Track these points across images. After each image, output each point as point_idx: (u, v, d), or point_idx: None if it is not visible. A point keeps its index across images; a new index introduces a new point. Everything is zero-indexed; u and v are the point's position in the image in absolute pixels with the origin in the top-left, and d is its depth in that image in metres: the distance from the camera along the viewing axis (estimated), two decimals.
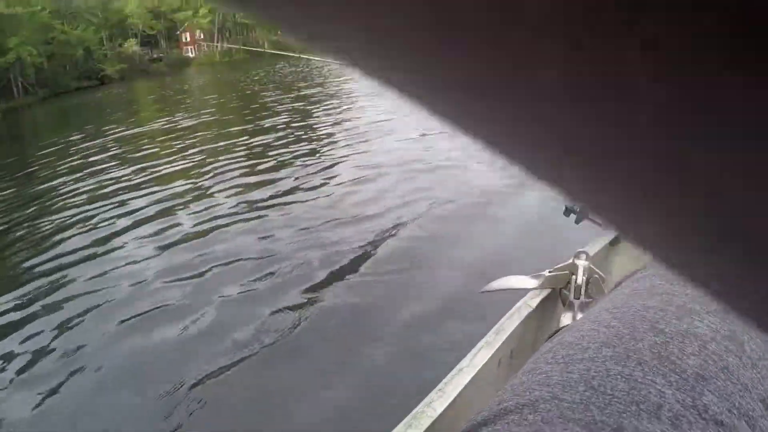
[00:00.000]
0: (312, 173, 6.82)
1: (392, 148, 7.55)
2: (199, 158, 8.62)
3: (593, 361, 0.35)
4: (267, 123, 11.04)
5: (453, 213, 4.82)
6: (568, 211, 1.42)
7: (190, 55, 56.86)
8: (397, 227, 4.61)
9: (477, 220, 4.56)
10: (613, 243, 1.46)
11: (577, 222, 1.43)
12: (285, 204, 5.68)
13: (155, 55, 52.90)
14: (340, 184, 6.09)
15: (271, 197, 5.92)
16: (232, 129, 11.13)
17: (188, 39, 57.59)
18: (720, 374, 0.33)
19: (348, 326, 3.26)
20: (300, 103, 12.76)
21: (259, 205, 5.72)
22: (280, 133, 9.75)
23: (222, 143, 9.56)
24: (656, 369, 0.32)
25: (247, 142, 9.45)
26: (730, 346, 0.35)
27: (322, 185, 6.22)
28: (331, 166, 7.06)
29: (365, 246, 4.29)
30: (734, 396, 0.31)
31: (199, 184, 7.00)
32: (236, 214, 5.56)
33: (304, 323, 3.33)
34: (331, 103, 11.67)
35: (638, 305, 0.41)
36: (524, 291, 1.20)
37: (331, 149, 8.21)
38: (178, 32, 56.89)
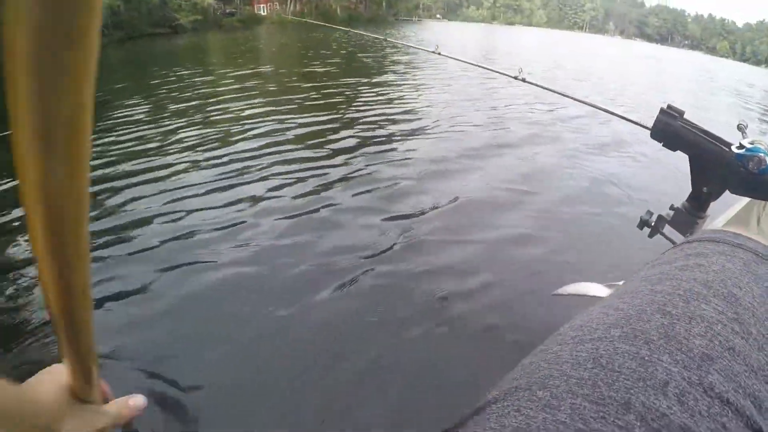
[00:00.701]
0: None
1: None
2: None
3: (601, 341, 0.35)
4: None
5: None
6: (642, 224, 1.41)
7: (261, 13, 57.06)
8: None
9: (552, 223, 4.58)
10: None
11: (650, 236, 1.43)
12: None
13: (228, 10, 52.69)
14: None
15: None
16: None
17: None
18: (726, 354, 0.33)
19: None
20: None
21: None
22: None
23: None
24: (663, 348, 0.33)
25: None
26: (736, 328, 0.35)
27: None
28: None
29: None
30: (740, 376, 0.32)
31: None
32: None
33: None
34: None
35: (647, 290, 0.42)
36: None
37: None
38: None
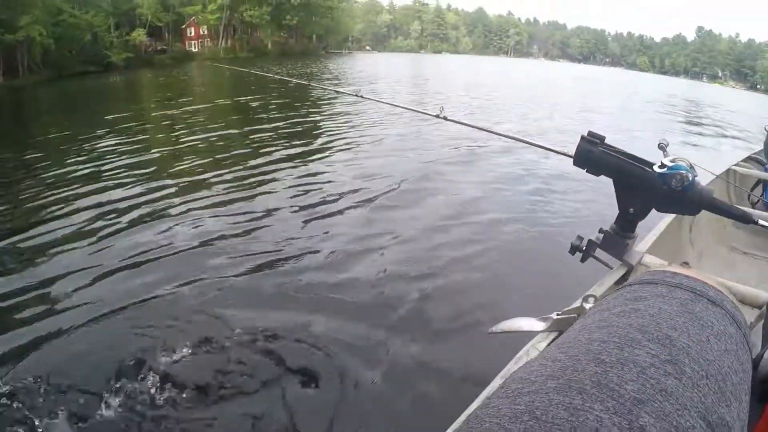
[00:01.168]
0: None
1: None
2: None
3: (538, 393, 0.36)
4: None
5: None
6: (573, 249, 1.40)
7: (193, 49, 57.21)
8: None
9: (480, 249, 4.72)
10: (619, 282, 1.40)
11: (582, 260, 1.42)
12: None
13: (159, 47, 53.06)
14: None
15: None
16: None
17: (192, 34, 58.31)
18: (657, 396, 0.34)
19: None
20: None
21: None
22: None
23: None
24: (595, 396, 0.34)
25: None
26: (669, 369, 0.37)
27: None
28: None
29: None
30: (672, 416, 0.33)
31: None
32: None
33: None
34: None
35: (584, 339, 0.43)
36: (533, 333, 1.18)
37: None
38: (183, 26, 57.24)
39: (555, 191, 6.69)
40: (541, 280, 4.09)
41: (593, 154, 1.26)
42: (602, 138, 1.27)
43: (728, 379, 0.38)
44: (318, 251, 4.64)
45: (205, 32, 58.96)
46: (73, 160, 8.72)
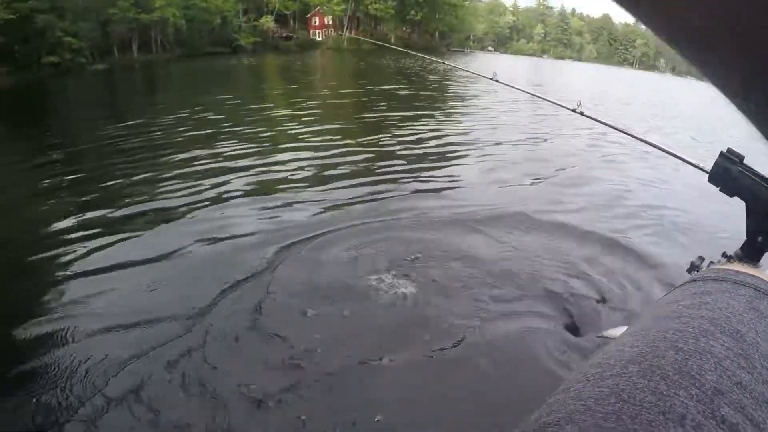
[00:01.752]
0: None
1: None
2: None
3: (621, 377, 0.36)
4: None
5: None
6: (692, 268, 1.29)
7: (317, 38, 57.93)
8: None
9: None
10: None
11: None
12: None
13: (284, 34, 53.68)
14: None
15: None
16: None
17: (317, 23, 59.02)
18: (734, 389, 0.34)
19: None
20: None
21: None
22: None
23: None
24: (678, 383, 0.34)
25: None
26: (742, 363, 0.37)
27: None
28: None
29: None
30: (748, 409, 0.33)
31: None
32: None
33: None
34: None
35: (658, 327, 0.43)
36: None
37: None
38: (308, 15, 58.06)
39: (685, 205, 6.49)
40: (654, 290, 4.07)
41: (730, 173, 1.15)
42: (742, 157, 1.15)
43: None
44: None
45: (330, 22, 59.50)
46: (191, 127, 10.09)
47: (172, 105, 12.46)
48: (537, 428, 0.34)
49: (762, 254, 1.22)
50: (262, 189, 6.38)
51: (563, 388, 0.38)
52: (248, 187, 6.44)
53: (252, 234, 4.92)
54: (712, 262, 1.30)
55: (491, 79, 2.57)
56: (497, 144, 9.48)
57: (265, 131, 9.85)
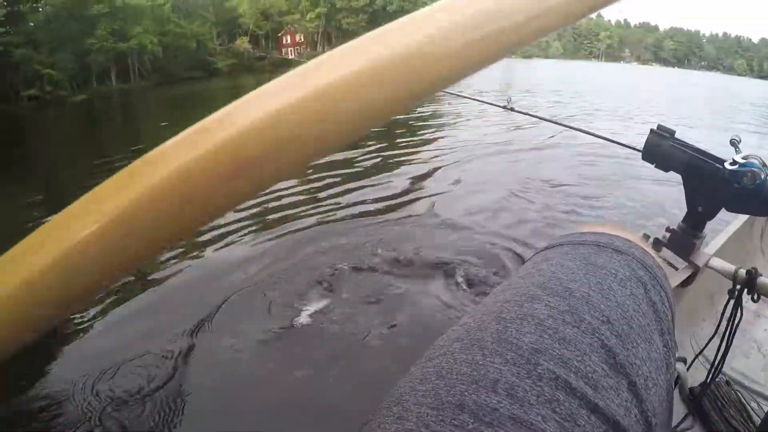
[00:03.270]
0: None
1: None
2: None
3: (445, 356, 0.37)
4: None
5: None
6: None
7: (289, 56, 57.25)
8: None
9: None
10: (685, 284, 1.38)
11: None
12: None
13: (257, 54, 53.48)
14: None
15: None
16: None
17: (288, 41, 58.81)
18: (555, 345, 0.35)
19: None
20: None
21: None
22: None
23: None
24: (495, 351, 0.35)
25: None
26: (567, 319, 0.37)
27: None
28: None
29: None
30: (572, 361, 0.34)
31: None
32: None
33: None
34: None
35: (489, 302, 0.43)
36: None
37: None
38: (279, 35, 57.85)
39: (621, 187, 6.29)
40: None
41: (662, 149, 1.21)
42: (672, 132, 1.22)
43: (634, 322, 0.39)
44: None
45: (301, 39, 59.40)
46: None
47: (151, 135, 12.37)
48: (375, 411, 0.36)
49: (704, 222, 1.28)
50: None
51: (406, 373, 0.39)
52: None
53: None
54: (657, 238, 1.35)
55: (505, 108, 2.33)
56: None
57: None
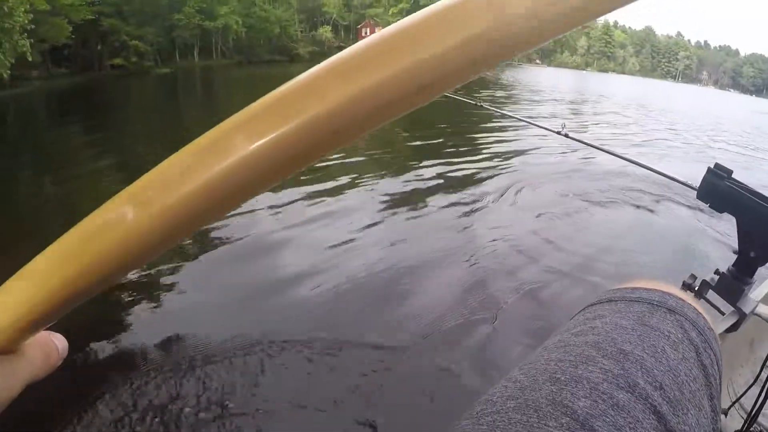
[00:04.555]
0: None
1: None
2: None
3: (499, 413, 0.36)
4: None
5: None
6: (684, 288, 1.25)
7: None
8: None
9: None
10: (729, 330, 1.25)
11: None
12: None
13: (337, 44, 52.54)
14: None
15: None
16: None
17: (367, 33, 56.90)
18: (609, 411, 0.34)
19: None
20: None
21: None
22: None
23: None
24: (549, 414, 0.34)
25: None
26: (621, 383, 0.36)
27: None
28: None
29: None
30: (624, 429, 0.33)
31: None
32: None
33: None
34: None
35: (542, 359, 0.42)
36: None
37: None
38: (359, 26, 57.00)
39: (674, 223, 5.77)
40: None
41: (718, 188, 1.16)
42: (730, 172, 1.16)
43: (685, 387, 0.38)
44: None
45: None
46: None
47: (228, 108, 12.33)
48: None
49: (755, 269, 1.20)
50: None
51: (454, 426, 0.38)
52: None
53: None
54: (705, 281, 1.27)
55: (559, 133, 2.04)
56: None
57: None
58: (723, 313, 1.26)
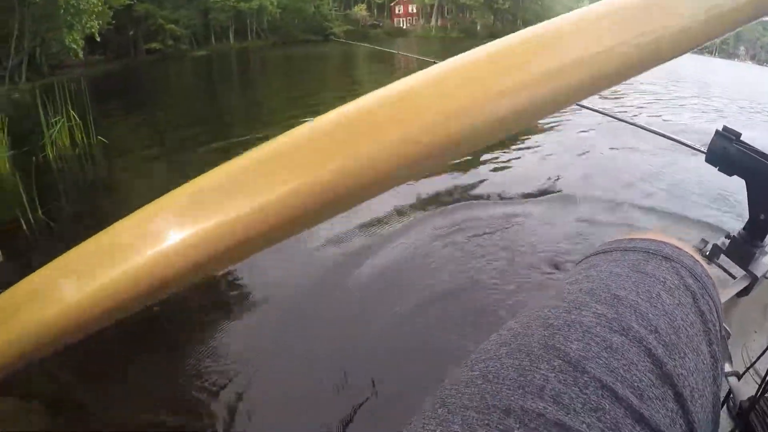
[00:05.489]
0: None
1: None
2: None
3: (491, 360, 0.36)
4: None
5: None
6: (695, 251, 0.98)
7: (402, 26, 55.27)
8: None
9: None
10: (741, 294, 1.25)
11: None
12: None
13: (371, 22, 51.41)
14: None
15: None
16: None
17: (401, 11, 56.04)
18: (603, 353, 0.34)
19: None
20: None
21: None
22: None
23: None
24: (542, 357, 0.34)
25: None
26: (615, 327, 0.36)
27: None
28: None
29: None
30: (618, 370, 0.33)
31: None
32: None
33: None
34: None
35: (537, 306, 0.42)
36: None
37: None
38: (392, 4, 55.17)
39: (681, 188, 5.33)
40: None
41: (727, 151, 1.11)
42: (738, 134, 1.11)
43: (682, 332, 0.38)
44: None
45: (413, 11, 56.27)
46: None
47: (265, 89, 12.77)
48: (419, 412, 0.35)
49: (765, 233, 1.19)
50: None
51: (447, 378, 0.38)
52: None
53: None
54: (715, 245, 1.25)
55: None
56: None
57: None
58: (734, 277, 1.22)
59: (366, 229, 4.02)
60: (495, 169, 5.78)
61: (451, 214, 4.46)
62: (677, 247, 0.46)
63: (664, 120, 9.42)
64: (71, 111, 6.54)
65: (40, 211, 4.04)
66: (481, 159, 5.92)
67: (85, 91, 7.02)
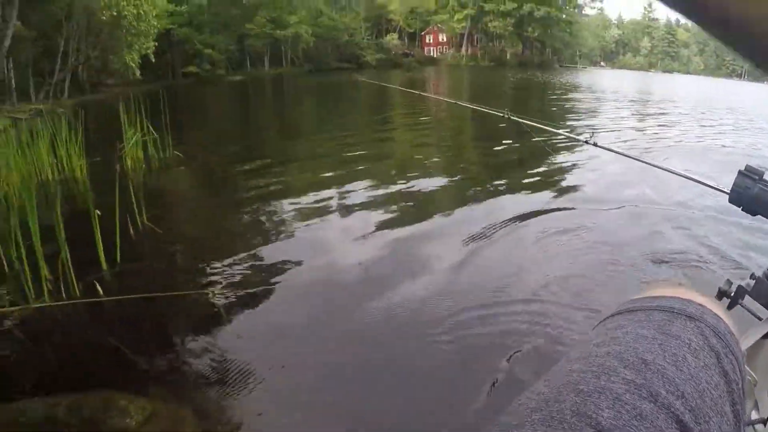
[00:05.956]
0: None
1: None
2: None
3: (523, 426, 0.35)
4: None
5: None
6: (720, 295, 1.14)
7: (432, 55, 55.50)
8: None
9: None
10: (766, 336, 1.12)
11: (729, 308, 1.12)
12: None
13: (402, 51, 51.19)
14: None
15: None
16: None
17: (431, 40, 56.30)
18: (633, 422, 0.33)
19: None
20: None
21: None
22: None
23: None
24: (574, 425, 0.34)
25: None
26: (644, 394, 0.36)
27: None
28: None
29: None
30: None
31: None
32: None
33: None
34: None
35: (565, 370, 0.41)
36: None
37: None
38: (423, 33, 55.49)
39: (706, 230, 4.74)
40: None
41: (751, 192, 1.05)
42: (761, 173, 1.05)
43: (707, 395, 0.38)
44: None
45: (443, 39, 56.57)
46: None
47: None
48: None
49: None
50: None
51: None
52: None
53: None
54: (740, 286, 1.15)
55: (587, 142, 1.87)
56: None
57: None
58: (760, 319, 1.14)
59: None
60: None
61: None
62: (700, 306, 0.45)
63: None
64: (146, 123, 6.58)
65: (145, 217, 4.10)
66: None
67: (164, 106, 6.99)
